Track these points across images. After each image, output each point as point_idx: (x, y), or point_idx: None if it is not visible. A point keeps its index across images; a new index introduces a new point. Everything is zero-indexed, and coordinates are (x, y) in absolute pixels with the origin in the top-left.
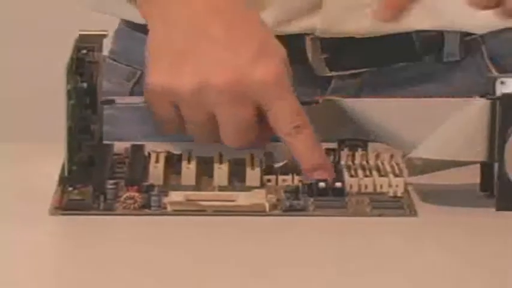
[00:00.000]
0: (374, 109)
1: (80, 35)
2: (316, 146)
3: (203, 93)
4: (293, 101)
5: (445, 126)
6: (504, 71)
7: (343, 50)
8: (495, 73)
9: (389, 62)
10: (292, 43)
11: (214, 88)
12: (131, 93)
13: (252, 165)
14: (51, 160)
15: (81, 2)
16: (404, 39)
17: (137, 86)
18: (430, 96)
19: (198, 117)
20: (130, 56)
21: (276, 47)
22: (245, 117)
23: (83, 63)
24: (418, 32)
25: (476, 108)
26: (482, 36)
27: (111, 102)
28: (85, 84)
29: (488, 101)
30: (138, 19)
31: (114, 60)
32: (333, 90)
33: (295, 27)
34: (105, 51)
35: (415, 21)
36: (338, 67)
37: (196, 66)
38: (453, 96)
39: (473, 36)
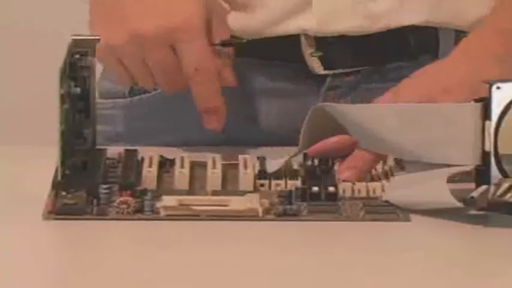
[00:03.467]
0: (368, 114)
1: (73, 39)
2: (213, 89)
3: (134, 43)
4: (200, 45)
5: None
6: None
7: (338, 48)
8: None
9: (384, 61)
10: (288, 42)
11: (141, 37)
12: (130, 92)
13: (245, 170)
14: (45, 163)
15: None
16: (400, 38)
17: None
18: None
19: (136, 66)
20: None
21: None
22: (166, 61)
23: (75, 67)
24: (413, 31)
25: (470, 113)
26: None
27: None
28: (78, 89)
29: (481, 105)
30: None
31: None
32: (328, 89)
33: (288, 27)
34: None
35: (408, 17)
36: (333, 65)
37: (123, 21)
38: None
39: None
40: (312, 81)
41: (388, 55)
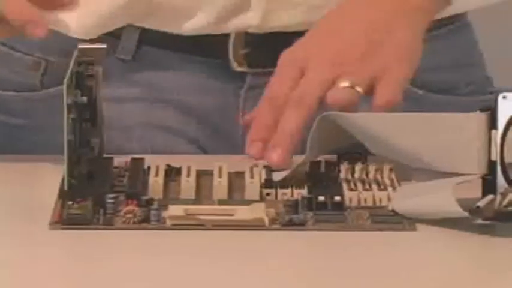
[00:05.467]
0: (375, 123)
1: (79, 48)
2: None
3: None
4: None
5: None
6: None
7: (264, 47)
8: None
9: None
10: (214, 37)
11: None
12: (41, 85)
13: (252, 179)
14: (52, 172)
15: None
16: None
17: (46, 77)
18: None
19: None
20: (29, 42)
21: None
22: None
23: (82, 77)
24: None
25: (477, 122)
26: None
27: None
28: (85, 98)
29: (488, 115)
30: None
31: (11, 48)
32: (249, 88)
33: (232, 26)
34: None
35: None
36: (256, 64)
37: None
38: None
39: None
40: (233, 79)
41: None
